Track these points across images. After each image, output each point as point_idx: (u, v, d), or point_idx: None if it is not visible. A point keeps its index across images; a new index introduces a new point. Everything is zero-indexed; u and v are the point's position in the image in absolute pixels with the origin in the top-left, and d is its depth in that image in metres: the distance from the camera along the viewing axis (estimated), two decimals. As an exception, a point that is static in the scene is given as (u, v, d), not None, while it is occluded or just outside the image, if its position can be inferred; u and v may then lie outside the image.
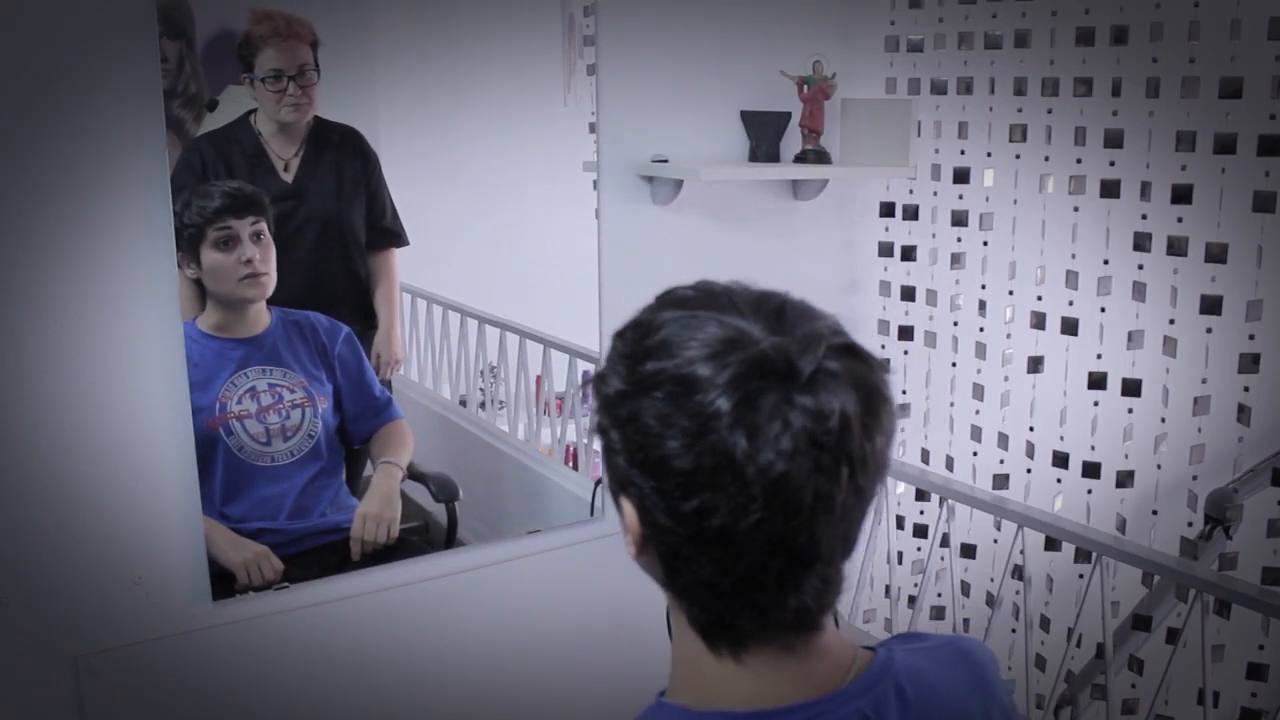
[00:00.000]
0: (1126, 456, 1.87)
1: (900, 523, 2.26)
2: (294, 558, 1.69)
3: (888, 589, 2.20)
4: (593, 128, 1.87)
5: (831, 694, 0.76)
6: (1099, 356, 1.88)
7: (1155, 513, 1.87)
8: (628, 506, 0.74)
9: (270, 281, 1.69)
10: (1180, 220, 1.74)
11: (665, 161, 1.89)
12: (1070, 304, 1.91)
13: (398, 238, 1.83)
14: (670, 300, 0.75)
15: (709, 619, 0.75)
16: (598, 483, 1.98)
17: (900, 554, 2.25)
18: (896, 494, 2.24)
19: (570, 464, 2.08)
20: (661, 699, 0.81)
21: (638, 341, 0.72)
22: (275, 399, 1.73)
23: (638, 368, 0.71)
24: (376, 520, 1.77)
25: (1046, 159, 1.93)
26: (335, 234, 1.80)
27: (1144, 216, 1.79)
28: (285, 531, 1.71)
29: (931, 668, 0.83)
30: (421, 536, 1.88)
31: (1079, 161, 1.88)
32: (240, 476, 1.70)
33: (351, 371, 1.82)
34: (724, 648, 0.76)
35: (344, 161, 1.78)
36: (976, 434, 2.13)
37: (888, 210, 2.20)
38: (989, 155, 2.02)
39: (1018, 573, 1.94)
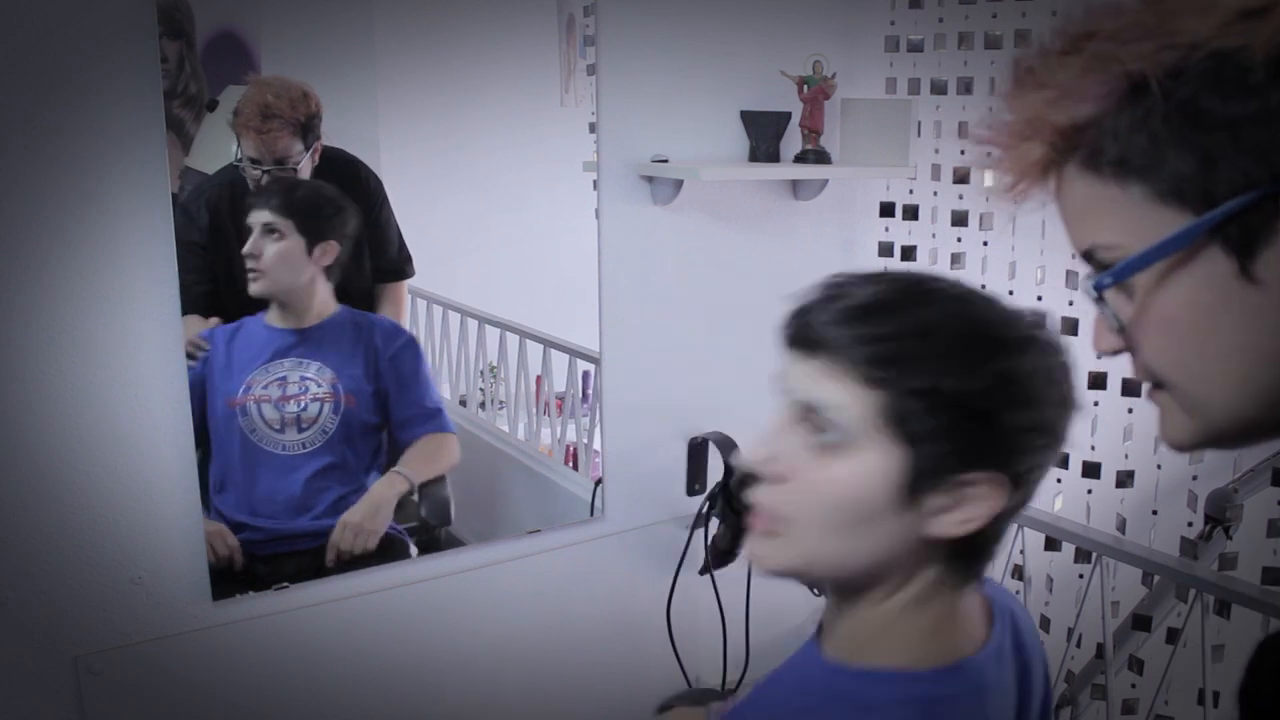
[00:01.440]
0: (1126, 456, 1.87)
1: (900, 523, 2.26)
2: (270, 558, 1.69)
3: (888, 589, 2.20)
4: (593, 128, 1.87)
5: (992, 625, 0.88)
6: (1099, 356, 1.88)
7: (1155, 513, 1.87)
8: (992, 486, 0.79)
9: (266, 281, 1.70)
10: (1180, 220, 1.73)
11: (665, 161, 1.89)
12: (1070, 304, 1.91)
13: (403, 271, 1.84)
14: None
15: (979, 568, 0.86)
16: (598, 482, 1.98)
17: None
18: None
19: (570, 464, 2.08)
20: (862, 668, 0.83)
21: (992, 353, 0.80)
22: (300, 390, 1.74)
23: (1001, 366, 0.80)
24: (356, 530, 1.75)
25: (1046, 159, 1.93)
26: (348, 281, 1.80)
27: (1144, 216, 1.79)
28: (265, 530, 1.70)
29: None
30: (414, 539, 1.86)
31: (1079, 161, 1.87)
32: (249, 459, 1.71)
33: (403, 377, 1.83)
34: (959, 595, 0.85)
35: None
36: (976, 434, 2.12)
37: (888, 210, 2.20)
38: (989, 155, 2.02)
39: (1018, 573, 1.94)
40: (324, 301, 1.78)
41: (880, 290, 0.81)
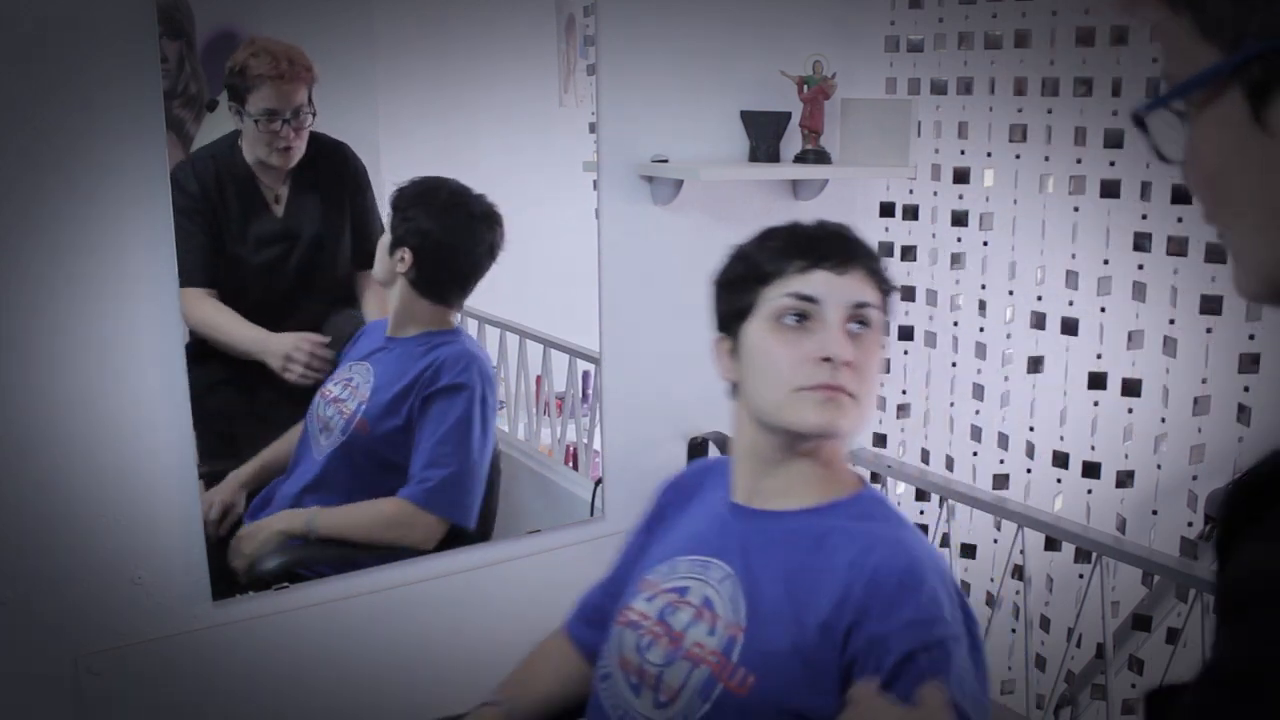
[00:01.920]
0: (1126, 456, 1.87)
1: (900, 523, 2.26)
2: None
3: (888, 589, 2.20)
4: (593, 128, 1.87)
5: None
6: (1099, 356, 1.88)
7: (1155, 513, 1.87)
8: None
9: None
10: (1180, 220, 1.73)
11: (665, 161, 1.89)
12: (1070, 304, 1.91)
13: None
14: None
15: None
16: (598, 482, 1.98)
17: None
18: (897, 494, 2.24)
19: (570, 464, 2.08)
20: (835, 499, 1.17)
21: None
22: (348, 395, 1.71)
23: None
24: (235, 544, 1.65)
25: (1046, 159, 1.93)
26: (329, 266, 1.74)
27: (1144, 216, 1.79)
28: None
29: None
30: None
31: (1079, 161, 1.87)
32: (298, 451, 1.72)
33: (425, 424, 1.71)
34: None
35: (332, 184, 1.71)
36: (976, 434, 2.12)
37: (888, 210, 2.20)
38: (989, 155, 2.02)
39: (1018, 573, 1.94)
40: (409, 312, 1.70)
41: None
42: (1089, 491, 1.93)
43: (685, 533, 1.24)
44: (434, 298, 1.75)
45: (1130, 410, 1.85)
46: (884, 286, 1.19)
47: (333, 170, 1.71)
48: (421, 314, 1.74)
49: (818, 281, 1.14)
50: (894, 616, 1.04)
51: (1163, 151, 0.61)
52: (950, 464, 2.20)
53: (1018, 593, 1.97)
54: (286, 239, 1.69)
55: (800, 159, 2.01)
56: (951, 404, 2.17)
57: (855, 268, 1.16)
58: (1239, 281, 0.60)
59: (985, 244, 2.06)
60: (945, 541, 2.06)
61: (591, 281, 1.92)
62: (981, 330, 2.08)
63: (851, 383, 1.11)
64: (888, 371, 2.23)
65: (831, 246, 1.17)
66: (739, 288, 1.20)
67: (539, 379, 2.05)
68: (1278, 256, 0.57)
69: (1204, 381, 1.76)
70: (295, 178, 1.67)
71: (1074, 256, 1.91)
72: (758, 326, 1.16)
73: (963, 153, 2.06)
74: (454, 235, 1.75)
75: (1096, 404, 1.90)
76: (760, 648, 1.09)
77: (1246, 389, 1.70)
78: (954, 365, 2.15)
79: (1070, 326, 1.91)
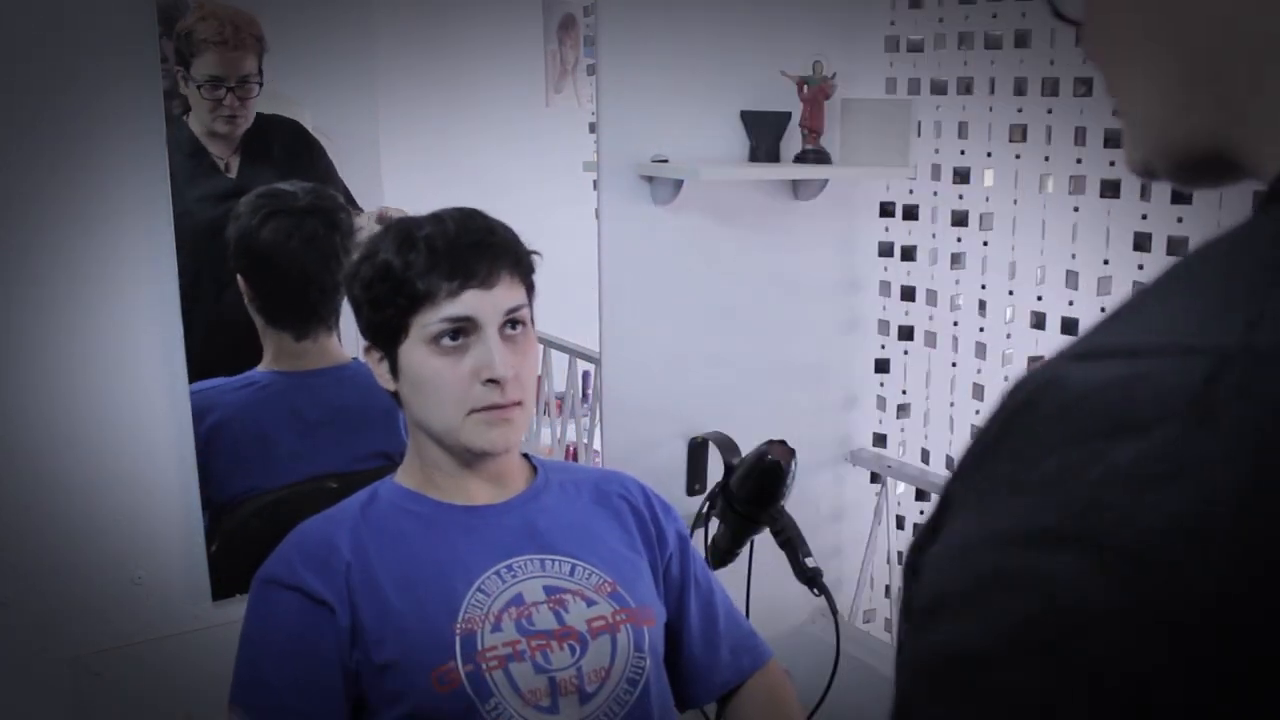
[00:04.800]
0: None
1: (900, 523, 2.26)
2: None
3: (888, 589, 2.20)
4: (593, 128, 1.87)
5: None
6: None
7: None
8: None
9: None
10: (1180, 220, 1.74)
11: (665, 161, 1.89)
12: (1070, 304, 1.91)
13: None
14: None
15: None
16: (597, 483, 1.98)
17: (900, 554, 2.24)
18: (896, 494, 2.24)
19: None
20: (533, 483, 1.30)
21: None
22: None
23: None
24: None
25: (1046, 159, 1.93)
26: None
27: (1144, 216, 1.79)
28: None
29: None
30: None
31: (1079, 161, 1.87)
32: None
33: None
34: None
35: (287, 155, 1.64)
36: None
37: (888, 210, 2.20)
38: (989, 155, 2.02)
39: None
40: (276, 350, 1.64)
41: (478, 214, 1.21)
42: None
43: (445, 569, 1.17)
44: (281, 326, 1.61)
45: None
46: (529, 281, 1.22)
47: (288, 143, 1.64)
48: (286, 349, 1.61)
49: (470, 302, 1.14)
50: (670, 514, 1.32)
51: (1062, 10, 0.55)
52: (950, 464, 2.20)
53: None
54: (240, 195, 1.58)
55: (800, 159, 2.01)
56: (951, 404, 2.17)
57: (501, 275, 1.16)
58: (1129, 155, 0.53)
59: (985, 244, 2.06)
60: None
61: (591, 281, 1.92)
62: (981, 330, 2.08)
63: (517, 391, 1.15)
64: (887, 372, 2.24)
65: (477, 259, 1.15)
66: (386, 307, 1.16)
67: (539, 379, 2.05)
68: (1169, 107, 0.49)
69: (1204, 381, 1.75)
70: (246, 148, 1.59)
71: (1074, 256, 1.91)
72: (416, 349, 1.15)
73: (963, 153, 2.06)
74: (279, 243, 1.60)
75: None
76: (629, 583, 1.22)
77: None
78: (954, 365, 2.15)
79: (1070, 326, 1.91)
